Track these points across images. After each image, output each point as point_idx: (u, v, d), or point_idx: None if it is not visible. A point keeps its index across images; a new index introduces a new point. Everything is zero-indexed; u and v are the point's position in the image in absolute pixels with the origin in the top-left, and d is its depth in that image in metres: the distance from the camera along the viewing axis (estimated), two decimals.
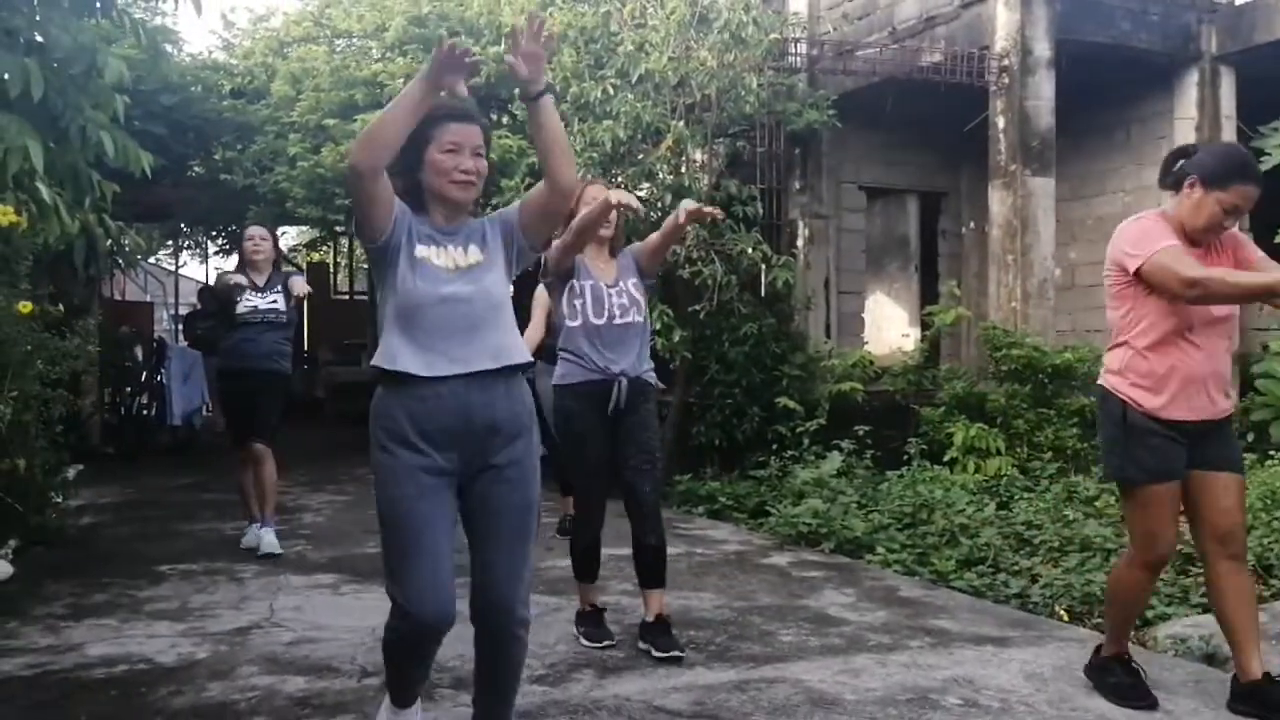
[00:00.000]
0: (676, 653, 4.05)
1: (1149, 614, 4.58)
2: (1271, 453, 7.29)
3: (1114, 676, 3.61)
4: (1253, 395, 9.22)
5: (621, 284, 4.27)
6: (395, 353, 2.76)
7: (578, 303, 4.20)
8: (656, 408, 4.45)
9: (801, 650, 4.18)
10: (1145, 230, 3.45)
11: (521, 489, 2.84)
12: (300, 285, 6.40)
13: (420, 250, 2.79)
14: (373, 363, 2.84)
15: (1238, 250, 3.53)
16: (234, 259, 6.84)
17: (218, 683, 3.77)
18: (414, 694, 3.05)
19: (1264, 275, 3.36)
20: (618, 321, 4.21)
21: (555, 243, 4.12)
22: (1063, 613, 4.78)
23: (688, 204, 4.20)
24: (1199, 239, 3.45)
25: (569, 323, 4.23)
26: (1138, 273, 3.40)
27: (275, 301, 6.28)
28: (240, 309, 6.20)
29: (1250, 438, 8.34)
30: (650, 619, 4.21)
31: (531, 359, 2.99)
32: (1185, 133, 9.87)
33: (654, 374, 4.40)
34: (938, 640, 4.31)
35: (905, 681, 3.78)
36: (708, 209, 4.17)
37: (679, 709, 3.50)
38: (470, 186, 2.84)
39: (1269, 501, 5.88)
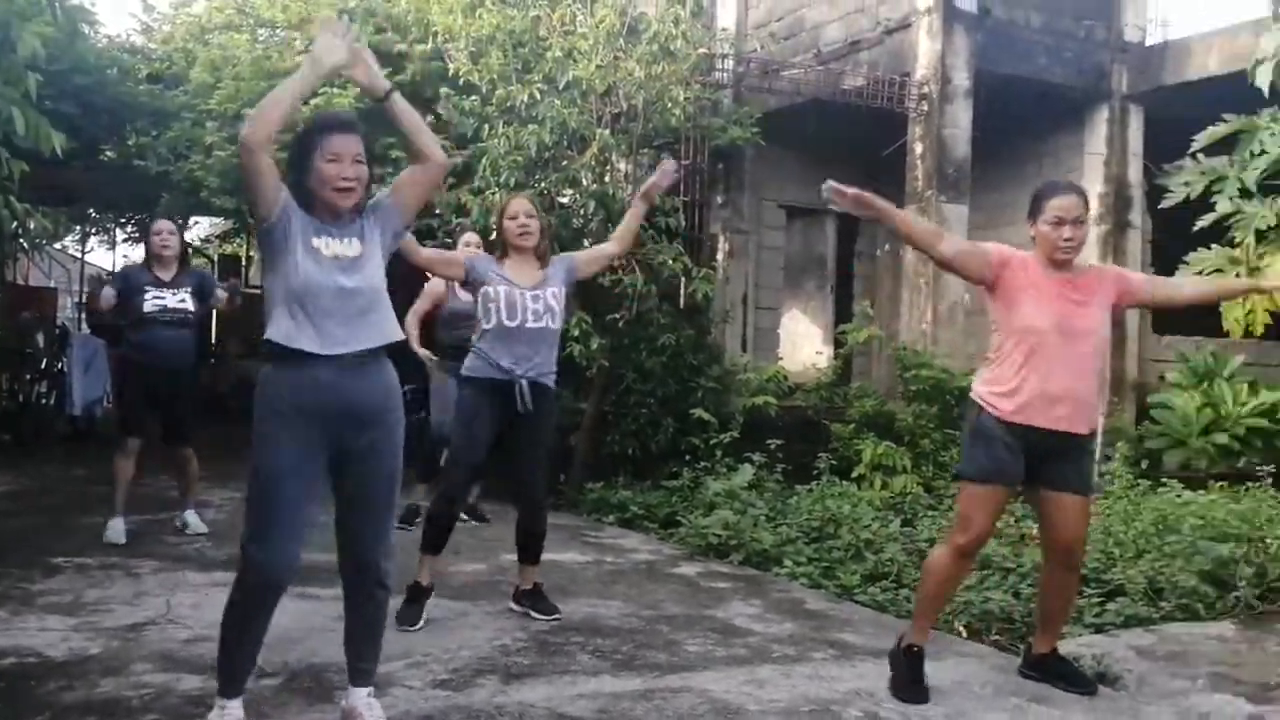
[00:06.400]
0: (556, 615, 4.64)
1: None
2: (1164, 479, 7.53)
3: (897, 669, 3.90)
4: (1148, 424, 9.56)
5: (541, 290, 4.56)
6: (290, 332, 3.07)
7: (491, 306, 4.52)
8: (555, 406, 4.80)
9: (707, 660, 4.20)
10: None
11: (388, 461, 3.19)
12: (222, 296, 6.38)
13: (315, 241, 3.10)
14: (267, 337, 3.11)
15: (1119, 282, 4.04)
16: (142, 248, 6.69)
17: (110, 679, 3.68)
18: (243, 679, 3.19)
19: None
20: (530, 325, 4.50)
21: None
22: (961, 629, 4.88)
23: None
24: (1055, 260, 3.87)
25: (483, 324, 4.56)
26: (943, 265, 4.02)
27: (184, 300, 6.13)
28: (148, 307, 6.04)
29: (1145, 465, 8.64)
30: (529, 587, 4.76)
31: (404, 336, 3.31)
32: (1095, 167, 10.20)
33: (554, 377, 4.69)
34: (841, 653, 4.37)
35: (808, 693, 3.83)
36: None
37: (583, 716, 3.50)
38: (351, 194, 3.12)
39: (1160, 527, 6.06)
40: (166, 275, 6.14)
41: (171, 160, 9.79)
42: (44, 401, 11.17)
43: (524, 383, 4.48)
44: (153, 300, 6.04)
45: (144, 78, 10.52)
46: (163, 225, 6.30)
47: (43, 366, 11.20)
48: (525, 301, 4.50)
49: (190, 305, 6.14)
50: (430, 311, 6.84)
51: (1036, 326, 3.81)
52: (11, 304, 11.34)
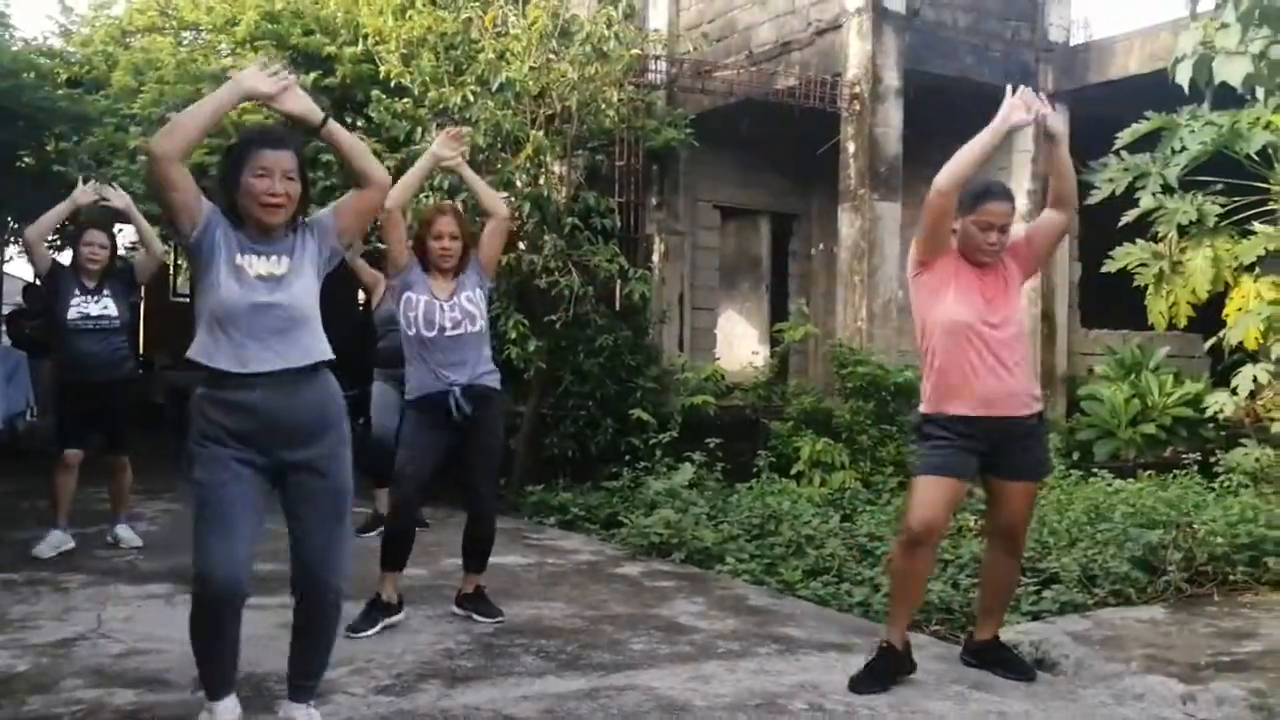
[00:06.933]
0: (499, 618, 4.64)
1: None
2: (1095, 470, 7.67)
3: (865, 661, 3.90)
4: (1079, 416, 9.74)
5: (456, 298, 4.60)
6: (209, 350, 3.05)
7: (411, 314, 4.57)
8: (500, 411, 4.84)
9: (652, 658, 4.20)
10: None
11: (333, 478, 3.15)
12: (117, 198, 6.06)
13: (239, 259, 3.05)
14: (189, 354, 3.10)
15: (1015, 252, 4.01)
16: (65, 255, 6.44)
17: (39, 696, 3.57)
18: (226, 683, 3.16)
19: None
20: (449, 334, 4.55)
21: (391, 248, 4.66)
22: None
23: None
24: (976, 260, 3.91)
25: (405, 330, 4.63)
26: (918, 261, 3.95)
27: (106, 307, 5.96)
28: (71, 314, 5.87)
29: (1076, 456, 8.80)
30: (471, 591, 4.77)
31: (333, 356, 3.18)
32: (1023, 165, 10.36)
33: (495, 377, 4.71)
34: (785, 647, 4.39)
35: (754, 687, 3.84)
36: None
37: (529, 717, 3.47)
38: (279, 210, 3.06)
39: (1093, 516, 6.17)
40: (91, 283, 5.98)
41: (94, 166, 9.55)
42: None
43: (457, 390, 4.52)
44: (76, 308, 5.89)
45: (63, 82, 10.26)
46: (95, 236, 6.01)
47: None
48: (443, 311, 4.55)
49: (114, 310, 5.98)
50: (366, 305, 6.80)
51: (959, 319, 3.85)
52: None
